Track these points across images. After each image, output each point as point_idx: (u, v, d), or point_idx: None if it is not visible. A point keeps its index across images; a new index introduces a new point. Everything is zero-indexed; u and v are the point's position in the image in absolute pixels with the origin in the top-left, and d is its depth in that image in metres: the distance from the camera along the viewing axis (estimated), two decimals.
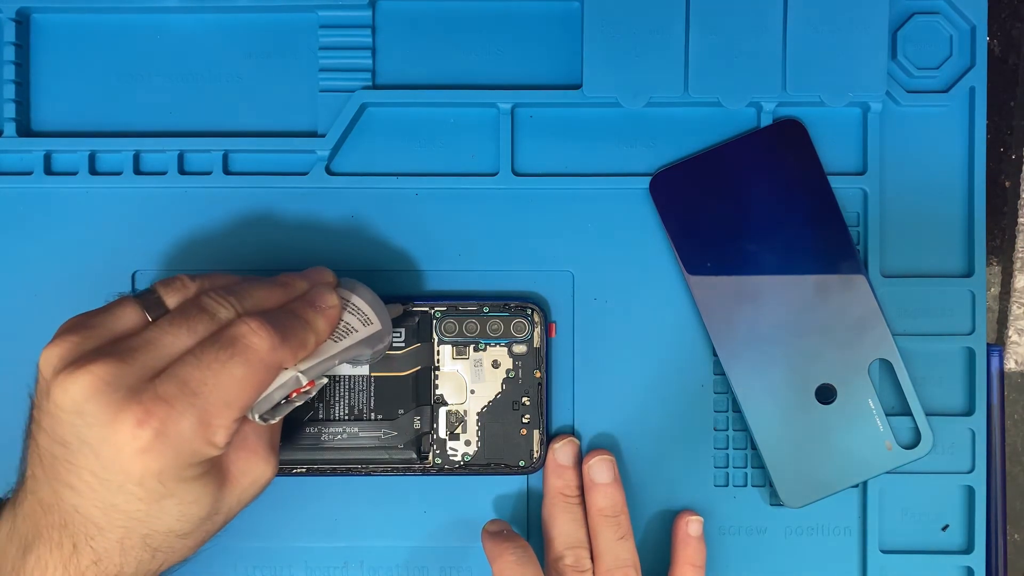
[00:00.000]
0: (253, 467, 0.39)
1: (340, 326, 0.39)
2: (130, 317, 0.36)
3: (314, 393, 0.39)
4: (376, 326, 0.41)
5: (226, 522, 0.39)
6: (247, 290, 0.38)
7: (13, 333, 0.46)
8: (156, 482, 0.34)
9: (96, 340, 0.35)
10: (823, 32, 0.44)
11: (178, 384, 0.34)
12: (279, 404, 0.38)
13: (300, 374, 0.37)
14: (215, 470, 0.37)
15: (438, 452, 0.45)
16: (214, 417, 0.34)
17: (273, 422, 0.38)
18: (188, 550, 0.38)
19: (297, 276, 0.40)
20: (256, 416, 0.37)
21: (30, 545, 0.36)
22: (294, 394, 0.38)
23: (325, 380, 0.40)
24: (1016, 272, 0.49)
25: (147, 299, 0.37)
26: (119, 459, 0.34)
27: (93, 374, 0.33)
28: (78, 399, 0.33)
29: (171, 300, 0.37)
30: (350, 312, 0.40)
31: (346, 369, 0.44)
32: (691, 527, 0.44)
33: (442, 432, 0.45)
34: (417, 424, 0.44)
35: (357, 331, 0.40)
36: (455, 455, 0.45)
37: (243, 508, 0.39)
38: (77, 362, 0.34)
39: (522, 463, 0.45)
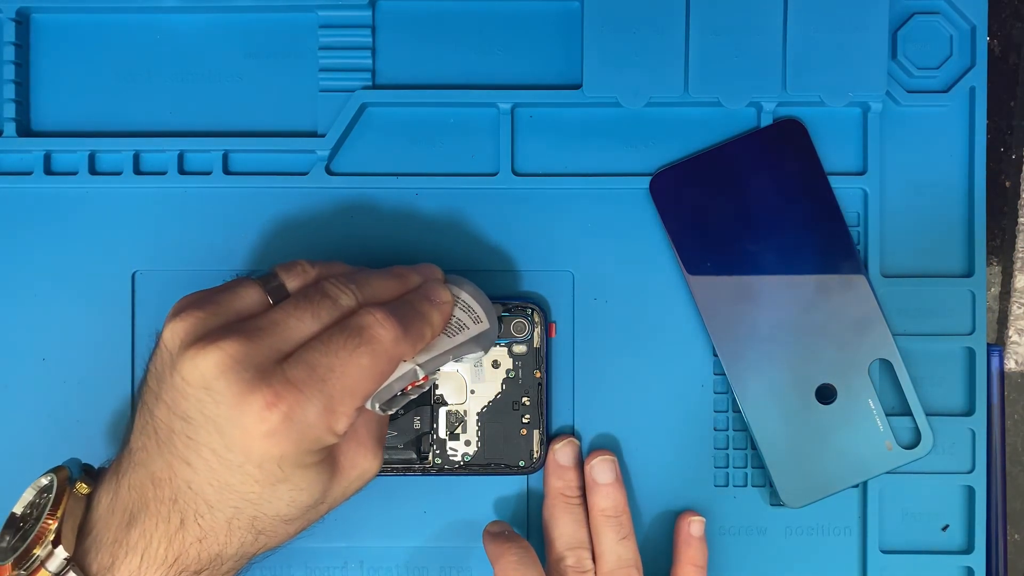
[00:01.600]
0: (362, 459, 0.39)
1: (452, 322, 0.40)
2: (253, 298, 0.36)
3: (427, 388, 0.40)
4: (485, 324, 0.41)
5: (327, 512, 0.39)
6: (366, 280, 0.38)
7: (13, 333, 0.46)
8: (275, 466, 0.34)
9: (221, 318, 0.35)
10: (823, 32, 0.44)
11: (307, 369, 0.34)
12: (396, 396, 0.38)
13: (418, 367, 0.38)
14: (329, 459, 0.37)
15: (438, 452, 0.45)
16: (338, 404, 0.34)
17: (390, 412, 0.38)
18: (288, 536, 0.38)
19: (410, 269, 0.40)
20: (376, 406, 0.38)
21: (135, 517, 0.35)
22: (410, 387, 0.38)
23: (438, 375, 0.40)
24: (1016, 272, 0.49)
25: (268, 282, 0.37)
26: (244, 440, 0.33)
27: (224, 351, 0.33)
28: (207, 375, 0.33)
29: (292, 284, 0.37)
30: (461, 309, 0.40)
31: None
32: (693, 527, 0.44)
33: (442, 432, 0.45)
34: (417, 424, 0.44)
35: (468, 328, 0.40)
36: (455, 455, 0.45)
37: (345, 500, 0.39)
38: (206, 338, 0.34)
39: (522, 463, 0.45)
